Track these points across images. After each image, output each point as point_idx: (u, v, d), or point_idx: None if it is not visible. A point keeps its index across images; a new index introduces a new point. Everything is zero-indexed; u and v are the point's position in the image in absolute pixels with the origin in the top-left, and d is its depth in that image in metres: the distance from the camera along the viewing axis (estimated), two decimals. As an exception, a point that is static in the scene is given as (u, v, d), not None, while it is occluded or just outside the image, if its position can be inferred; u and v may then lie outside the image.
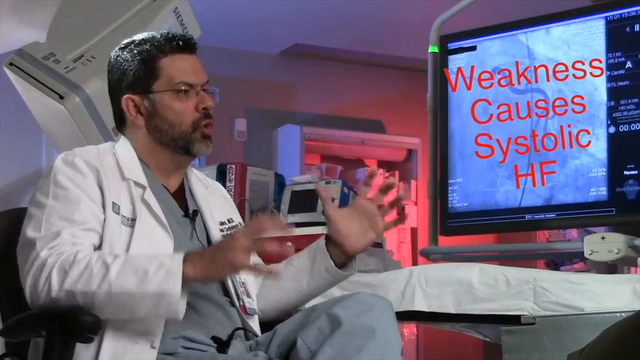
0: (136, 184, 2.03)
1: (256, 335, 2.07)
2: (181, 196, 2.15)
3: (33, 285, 1.85)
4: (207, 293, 2.03)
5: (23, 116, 3.83)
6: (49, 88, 3.26)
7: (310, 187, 3.42)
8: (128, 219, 1.97)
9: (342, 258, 2.15)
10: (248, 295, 2.12)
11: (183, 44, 2.10)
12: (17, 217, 2.10)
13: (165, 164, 2.12)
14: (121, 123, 2.14)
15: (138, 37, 2.13)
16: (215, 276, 1.92)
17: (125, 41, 2.14)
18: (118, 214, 1.96)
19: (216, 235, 2.12)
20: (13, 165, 5.07)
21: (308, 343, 1.89)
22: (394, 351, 1.88)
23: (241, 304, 2.08)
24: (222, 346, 1.97)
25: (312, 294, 2.21)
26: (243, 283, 2.11)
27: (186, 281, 1.83)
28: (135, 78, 2.08)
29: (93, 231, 1.93)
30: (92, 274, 1.82)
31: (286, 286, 2.20)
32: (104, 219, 1.95)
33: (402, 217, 2.17)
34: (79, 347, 1.85)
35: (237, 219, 2.22)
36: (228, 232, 2.15)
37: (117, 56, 2.13)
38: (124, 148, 2.10)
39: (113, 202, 1.97)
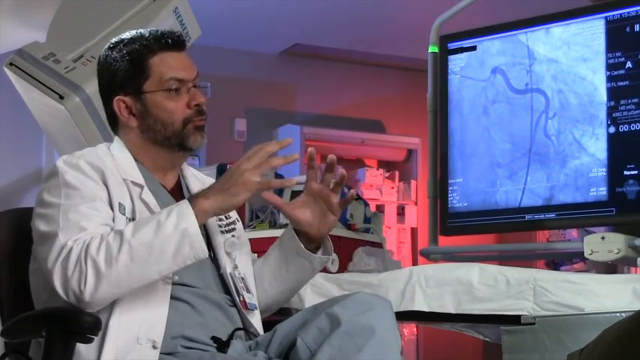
0: (134, 183, 2.03)
1: (257, 334, 2.07)
2: (178, 192, 2.15)
3: (63, 274, 1.84)
4: (207, 293, 2.03)
5: (23, 116, 3.83)
6: (49, 88, 3.26)
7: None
8: (129, 219, 1.97)
9: (313, 245, 2.18)
10: (248, 291, 2.12)
11: (172, 42, 2.09)
12: (19, 217, 2.11)
13: (161, 162, 2.12)
14: (113, 124, 2.14)
15: (126, 35, 2.11)
16: (231, 203, 1.94)
17: (113, 40, 2.12)
18: (124, 214, 1.97)
19: (214, 230, 2.12)
20: (13, 165, 5.07)
21: (307, 343, 1.88)
22: (393, 351, 1.87)
23: (242, 299, 2.08)
24: (222, 346, 1.97)
25: (295, 281, 2.23)
26: (242, 278, 2.12)
27: (203, 214, 1.90)
28: (125, 79, 2.07)
29: (109, 227, 1.94)
30: (109, 243, 1.85)
31: (267, 277, 2.22)
32: (113, 218, 1.96)
33: (347, 197, 2.16)
34: (82, 348, 1.85)
35: (234, 215, 2.22)
36: (227, 229, 2.15)
37: (106, 56, 2.11)
38: (118, 149, 2.09)
39: (120, 203, 1.97)
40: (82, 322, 1.78)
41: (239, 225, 2.22)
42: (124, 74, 2.07)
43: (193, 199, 1.92)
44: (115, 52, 2.09)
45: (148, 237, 1.85)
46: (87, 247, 1.85)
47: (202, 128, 2.10)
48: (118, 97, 2.08)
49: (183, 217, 1.88)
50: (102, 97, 2.14)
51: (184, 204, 1.90)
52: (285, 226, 3.44)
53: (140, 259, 1.84)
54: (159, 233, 1.85)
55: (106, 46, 2.13)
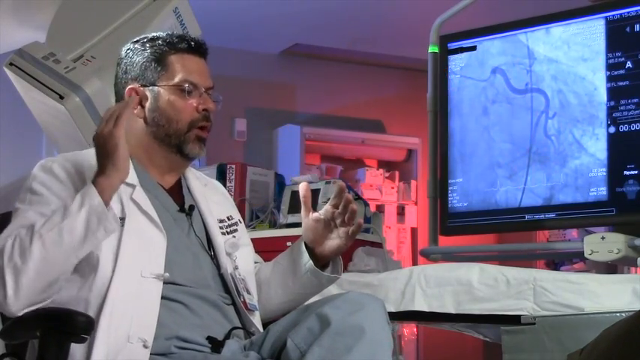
0: (125, 183, 2.02)
1: (254, 334, 2.07)
2: (178, 192, 2.14)
3: None
4: (203, 292, 2.03)
5: (23, 116, 3.83)
6: (49, 88, 3.26)
7: (311, 187, 3.42)
8: (118, 218, 1.96)
9: (321, 262, 2.17)
10: (248, 292, 2.12)
11: (195, 45, 2.13)
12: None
13: (159, 162, 2.12)
14: None
15: (152, 34, 2.16)
16: (124, 166, 1.91)
17: (139, 37, 2.17)
18: None
19: (214, 231, 2.12)
20: (13, 165, 5.07)
21: (297, 343, 1.87)
22: (384, 351, 1.86)
23: (242, 300, 2.08)
24: (217, 346, 1.96)
25: (302, 294, 2.22)
26: (243, 279, 2.12)
27: (109, 189, 1.89)
28: (142, 70, 2.10)
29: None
30: (22, 238, 1.85)
31: (274, 285, 2.22)
32: None
33: (356, 227, 2.13)
34: (72, 347, 1.84)
35: (237, 216, 2.22)
36: (228, 230, 2.15)
37: (128, 49, 2.15)
38: None
39: None
40: (76, 322, 1.77)
41: (241, 226, 2.21)
42: (142, 65, 2.11)
43: (94, 179, 1.91)
44: (137, 45, 2.14)
45: (56, 221, 1.86)
46: (2, 250, 1.86)
47: (203, 140, 2.11)
48: (130, 86, 2.11)
49: (86, 196, 1.88)
50: (115, 89, 2.16)
51: (87, 186, 1.91)
52: (285, 226, 3.45)
53: (53, 244, 1.84)
54: (66, 216, 1.87)
55: (131, 41, 2.16)
